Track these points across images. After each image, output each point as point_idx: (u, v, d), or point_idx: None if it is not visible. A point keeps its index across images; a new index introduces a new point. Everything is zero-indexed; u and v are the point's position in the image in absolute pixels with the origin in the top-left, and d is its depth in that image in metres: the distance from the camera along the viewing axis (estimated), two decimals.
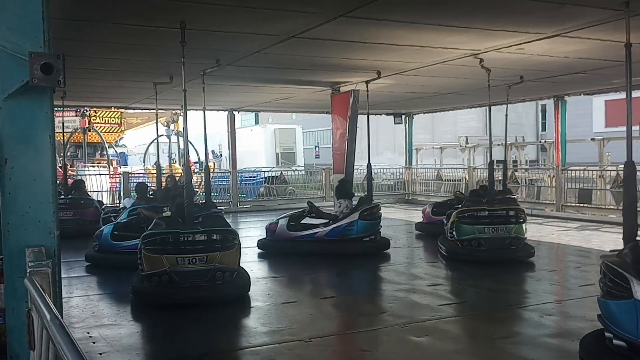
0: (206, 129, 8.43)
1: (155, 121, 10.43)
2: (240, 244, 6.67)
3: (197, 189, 15.46)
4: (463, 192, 13.41)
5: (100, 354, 4.76)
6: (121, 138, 25.45)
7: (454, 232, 8.53)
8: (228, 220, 7.63)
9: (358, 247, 9.06)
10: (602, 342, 3.96)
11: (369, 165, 10.41)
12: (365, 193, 10.33)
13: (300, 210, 9.81)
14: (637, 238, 4.33)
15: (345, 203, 9.47)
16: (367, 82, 10.21)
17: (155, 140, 24.53)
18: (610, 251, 4.21)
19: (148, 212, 8.49)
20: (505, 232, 8.38)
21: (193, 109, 18.29)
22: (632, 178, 4.62)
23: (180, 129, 24.29)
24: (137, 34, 6.83)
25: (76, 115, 22.81)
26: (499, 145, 23.07)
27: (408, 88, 12.08)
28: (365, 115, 10.82)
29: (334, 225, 9.13)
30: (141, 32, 6.73)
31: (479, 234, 8.36)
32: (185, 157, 8.29)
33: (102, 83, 10.52)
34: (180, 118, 23.88)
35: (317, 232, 9.20)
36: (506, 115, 10.69)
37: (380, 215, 9.45)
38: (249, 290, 6.72)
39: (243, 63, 8.66)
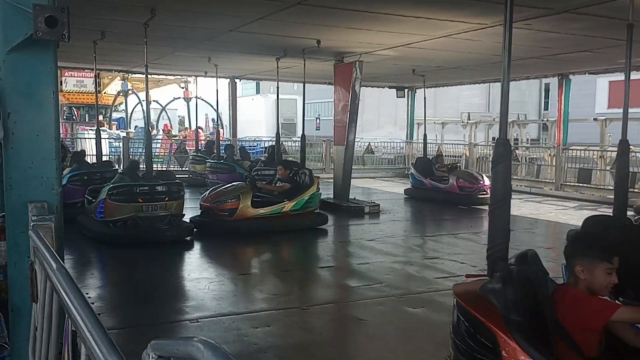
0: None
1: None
2: (184, 193, 8.20)
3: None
4: None
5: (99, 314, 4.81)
6: (121, 103, 25.26)
7: None
8: None
9: None
10: None
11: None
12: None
13: None
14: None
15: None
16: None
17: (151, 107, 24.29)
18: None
19: None
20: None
21: (201, 75, 18.12)
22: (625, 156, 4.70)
23: (191, 95, 24.16)
24: None
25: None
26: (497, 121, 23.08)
27: (412, 61, 11.97)
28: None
29: None
30: None
31: None
32: (146, 123, 9.05)
33: (104, 45, 10.37)
34: (189, 85, 23.77)
35: None
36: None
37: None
38: (193, 234, 8.06)
39: (247, 29, 8.56)
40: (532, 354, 2.29)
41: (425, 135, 14.32)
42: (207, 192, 9.05)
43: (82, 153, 11.19)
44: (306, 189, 9.16)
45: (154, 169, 8.98)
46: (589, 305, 2.46)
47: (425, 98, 14.22)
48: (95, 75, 11.59)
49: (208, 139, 18.63)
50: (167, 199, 7.85)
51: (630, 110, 4.59)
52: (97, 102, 11.25)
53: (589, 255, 2.49)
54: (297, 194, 9.02)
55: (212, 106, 17.09)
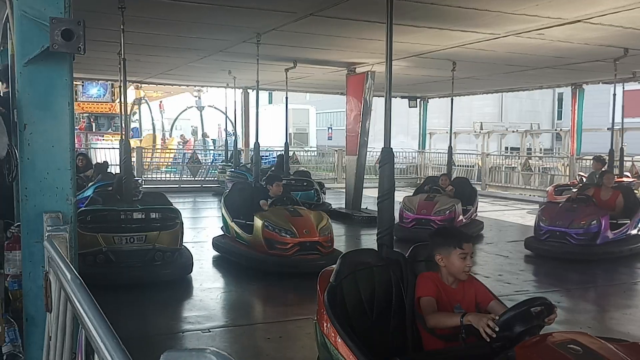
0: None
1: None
2: (182, 223, 6.39)
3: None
4: None
5: None
6: (134, 112, 25.44)
7: None
8: None
9: None
10: None
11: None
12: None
13: None
14: None
15: None
16: None
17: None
18: None
19: None
20: None
21: (214, 86, 18.24)
22: None
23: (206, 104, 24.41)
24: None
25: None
26: (514, 132, 22.93)
27: (424, 71, 11.98)
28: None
29: None
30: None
31: None
32: (126, 132, 7.70)
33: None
34: (202, 93, 24.04)
35: None
36: None
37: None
38: (191, 271, 6.41)
39: (260, 40, 8.60)
40: (330, 314, 2.80)
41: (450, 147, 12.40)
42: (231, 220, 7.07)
43: (105, 164, 11.14)
44: None
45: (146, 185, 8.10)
46: (421, 282, 2.85)
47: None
48: (119, 85, 11.65)
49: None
50: (148, 228, 6.14)
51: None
52: (121, 112, 11.27)
53: (444, 244, 2.85)
54: None
55: (227, 115, 17.10)
